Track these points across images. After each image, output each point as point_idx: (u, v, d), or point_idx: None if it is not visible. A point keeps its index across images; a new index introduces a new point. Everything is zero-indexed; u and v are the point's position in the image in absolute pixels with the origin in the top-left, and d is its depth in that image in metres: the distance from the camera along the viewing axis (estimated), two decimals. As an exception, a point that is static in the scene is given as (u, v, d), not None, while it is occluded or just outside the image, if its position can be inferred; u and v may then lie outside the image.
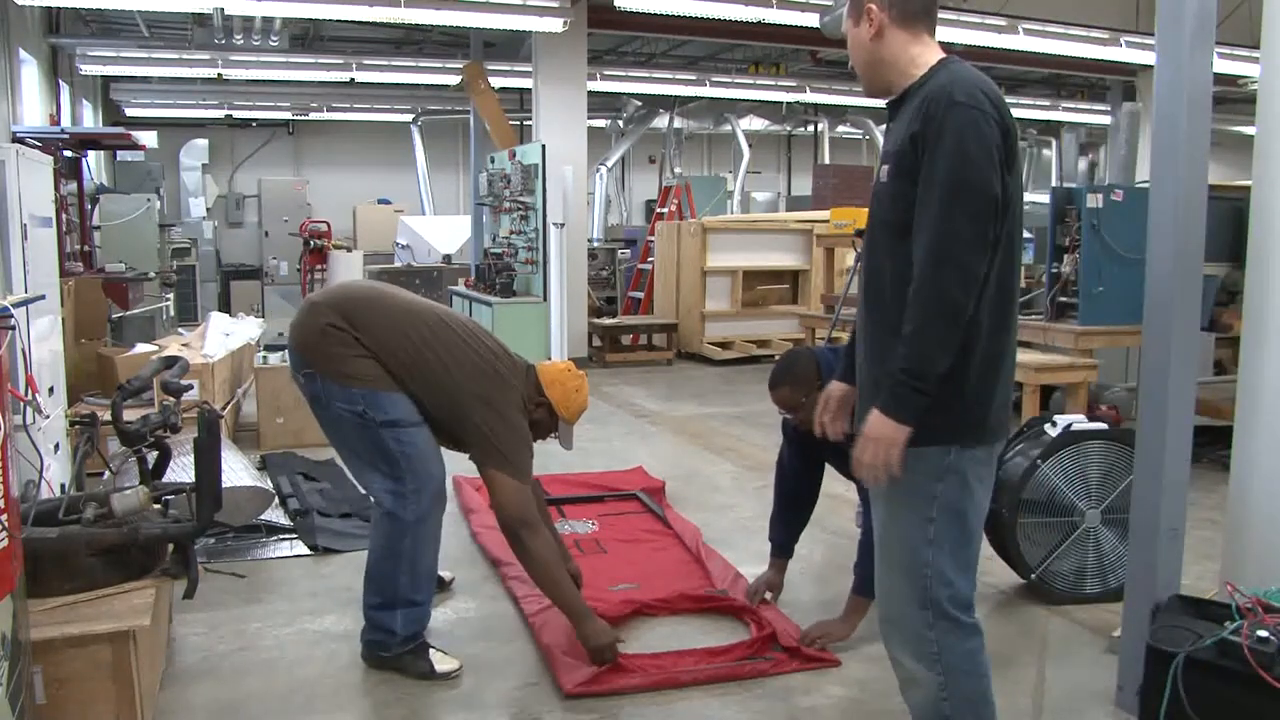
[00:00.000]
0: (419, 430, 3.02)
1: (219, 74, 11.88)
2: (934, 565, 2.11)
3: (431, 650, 3.12)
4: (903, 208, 2.04)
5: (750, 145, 15.43)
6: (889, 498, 2.17)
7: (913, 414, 1.99)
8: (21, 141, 6.27)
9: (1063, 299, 5.73)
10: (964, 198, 1.95)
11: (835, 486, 5.29)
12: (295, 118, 15.76)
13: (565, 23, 8.93)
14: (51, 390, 4.03)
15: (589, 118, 10.33)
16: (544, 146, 8.84)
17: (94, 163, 10.80)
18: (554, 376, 3.22)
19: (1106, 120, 15.47)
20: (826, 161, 15.84)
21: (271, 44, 11.07)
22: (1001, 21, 9.51)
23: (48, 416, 3.80)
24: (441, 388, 3.01)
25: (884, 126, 15.48)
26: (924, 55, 2.14)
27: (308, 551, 4.21)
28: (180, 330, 8.56)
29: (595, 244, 13.24)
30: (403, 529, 3.01)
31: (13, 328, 3.00)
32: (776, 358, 3.45)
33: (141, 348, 6.42)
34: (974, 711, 2.18)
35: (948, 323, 1.96)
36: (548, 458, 5.97)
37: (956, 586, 2.14)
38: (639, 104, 15.17)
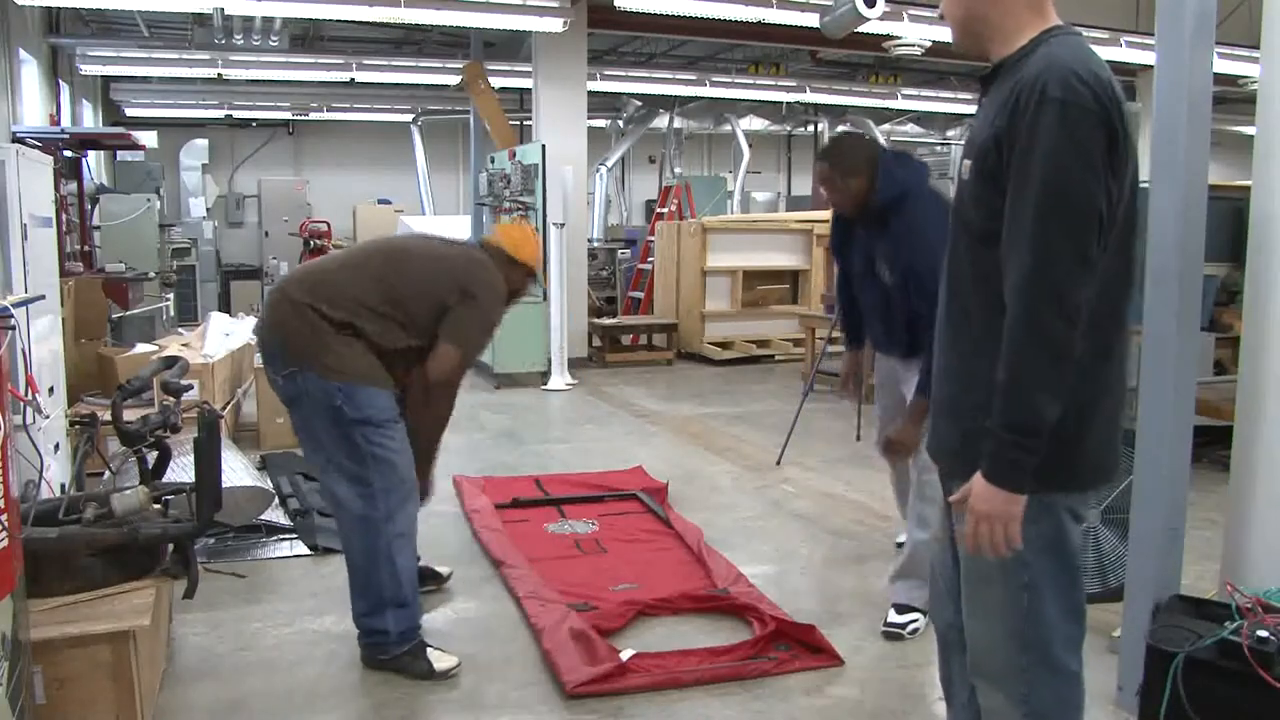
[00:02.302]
0: (394, 429, 3.03)
1: (219, 74, 11.86)
2: (1032, 610, 1.86)
3: (429, 649, 3.12)
4: (984, 214, 1.78)
5: (750, 145, 15.42)
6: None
7: (1025, 476, 1.70)
8: (21, 141, 6.27)
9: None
10: (1059, 214, 1.64)
11: (835, 486, 5.32)
12: (295, 118, 15.74)
13: (565, 23, 8.92)
14: (51, 390, 4.03)
15: (589, 118, 10.33)
16: (544, 146, 8.84)
17: (94, 163, 10.79)
18: (500, 237, 3.44)
19: (1107, 120, 15.44)
20: (826, 161, 15.82)
21: (271, 44, 11.05)
22: (1001, 21, 9.49)
23: (48, 416, 3.80)
24: (425, 305, 3.09)
25: (884, 127, 15.35)
26: (1033, 23, 1.80)
27: (308, 551, 4.21)
28: (180, 330, 8.56)
29: (595, 244, 13.24)
30: (375, 528, 3.02)
31: (13, 328, 3.01)
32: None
33: (141, 348, 6.42)
34: None
35: (1050, 362, 1.66)
36: (547, 458, 6.00)
37: (1060, 631, 1.87)
38: (639, 104, 15.16)
